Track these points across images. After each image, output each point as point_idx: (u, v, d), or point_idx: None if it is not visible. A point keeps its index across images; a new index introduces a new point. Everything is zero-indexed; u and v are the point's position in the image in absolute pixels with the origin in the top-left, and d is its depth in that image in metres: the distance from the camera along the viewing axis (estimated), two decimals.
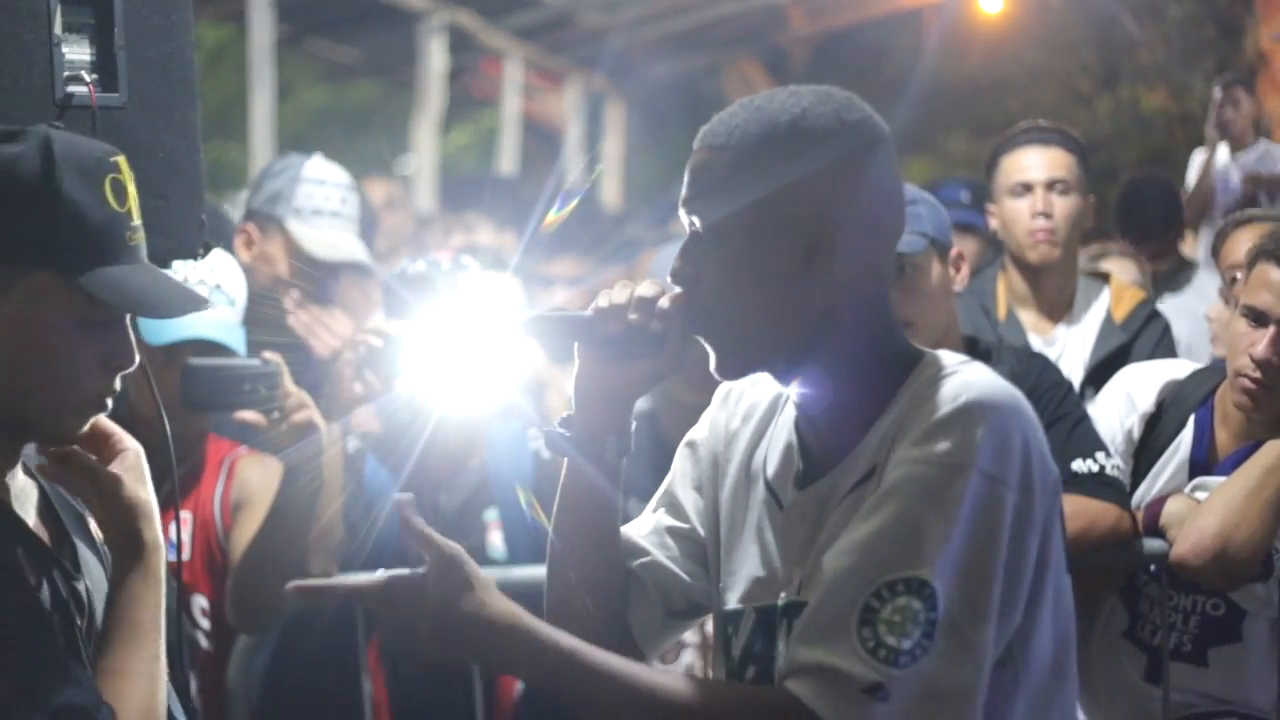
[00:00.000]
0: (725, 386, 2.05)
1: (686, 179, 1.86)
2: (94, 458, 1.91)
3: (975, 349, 3.32)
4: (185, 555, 3.20)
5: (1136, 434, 3.22)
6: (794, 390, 1.88)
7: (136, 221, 1.84)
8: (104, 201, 1.80)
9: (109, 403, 1.87)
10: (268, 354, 3.03)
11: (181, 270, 3.15)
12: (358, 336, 3.15)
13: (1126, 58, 12.55)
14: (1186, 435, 3.15)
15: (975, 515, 1.69)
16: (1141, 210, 5.76)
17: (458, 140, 13.81)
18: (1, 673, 1.71)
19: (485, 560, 3.37)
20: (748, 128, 1.82)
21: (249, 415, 3.01)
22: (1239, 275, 3.52)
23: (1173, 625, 3.18)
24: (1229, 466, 3.08)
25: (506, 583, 3.28)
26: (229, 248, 3.71)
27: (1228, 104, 7.31)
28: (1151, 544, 3.12)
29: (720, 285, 1.83)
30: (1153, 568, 3.18)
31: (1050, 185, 3.86)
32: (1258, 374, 2.96)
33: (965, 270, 3.38)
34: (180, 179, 2.13)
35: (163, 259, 2.20)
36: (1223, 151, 7.35)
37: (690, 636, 3.48)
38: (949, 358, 1.84)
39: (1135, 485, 3.23)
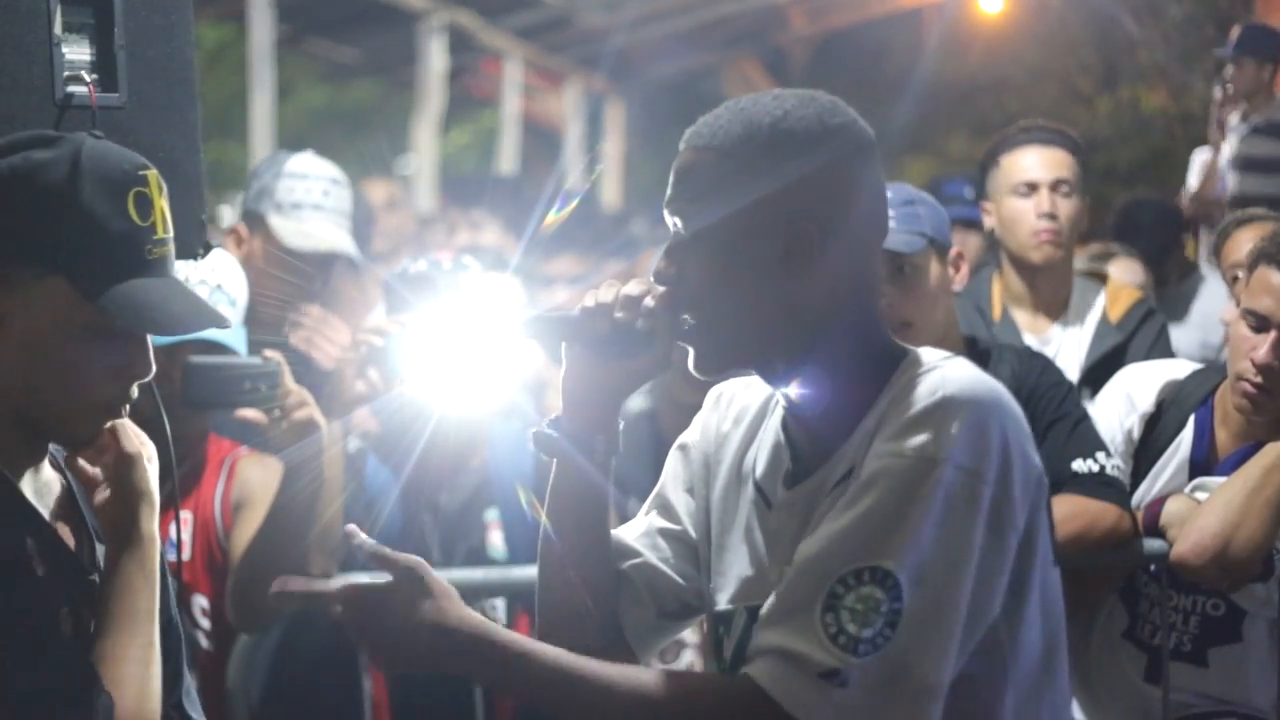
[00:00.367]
0: (717, 389, 2.06)
1: (671, 180, 1.88)
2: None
3: (975, 349, 3.32)
4: (186, 555, 3.19)
5: (1136, 434, 3.22)
6: (781, 390, 1.88)
7: (162, 235, 1.86)
8: (125, 214, 1.81)
9: (124, 410, 1.89)
10: (268, 352, 3.03)
11: (182, 270, 3.15)
12: (359, 336, 3.15)
13: (1126, 58, 12.55)
14: (1186, 435, 3.15)
15: (947, 508, 1.69)
16: (1138, 235, 5.69)
17: (458, 140, 13.81)
18: None
19: (486, 560, 3.38)
20: (730, 129, 1.84)
21: (250, 413, 3.01)
22: (1240, 275, 3.52)
23: (1172, 625, 3.18)
24: (1229, 467, 3.08)
25: (507, 582, 3.31)
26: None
27: (1228, 104, 7.29)
28: (1151, 544, 3.12)
29: (701, 285, 1.84)
30: (1153, 568, 3.18)
31: (1055, 186, 3.85)
32: (1259, 378, 2.96)
33: (965, 270, 3.38)
34: (180, 179, 2.13)
35: None
36: (1224, 151, 7.33)
37: (690, 636, 3.48)
38: (931, 354, 1.84)
39: (1135, 485, 3.23)
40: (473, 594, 3.33)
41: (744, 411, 2.01)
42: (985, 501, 1.70)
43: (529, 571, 3.05)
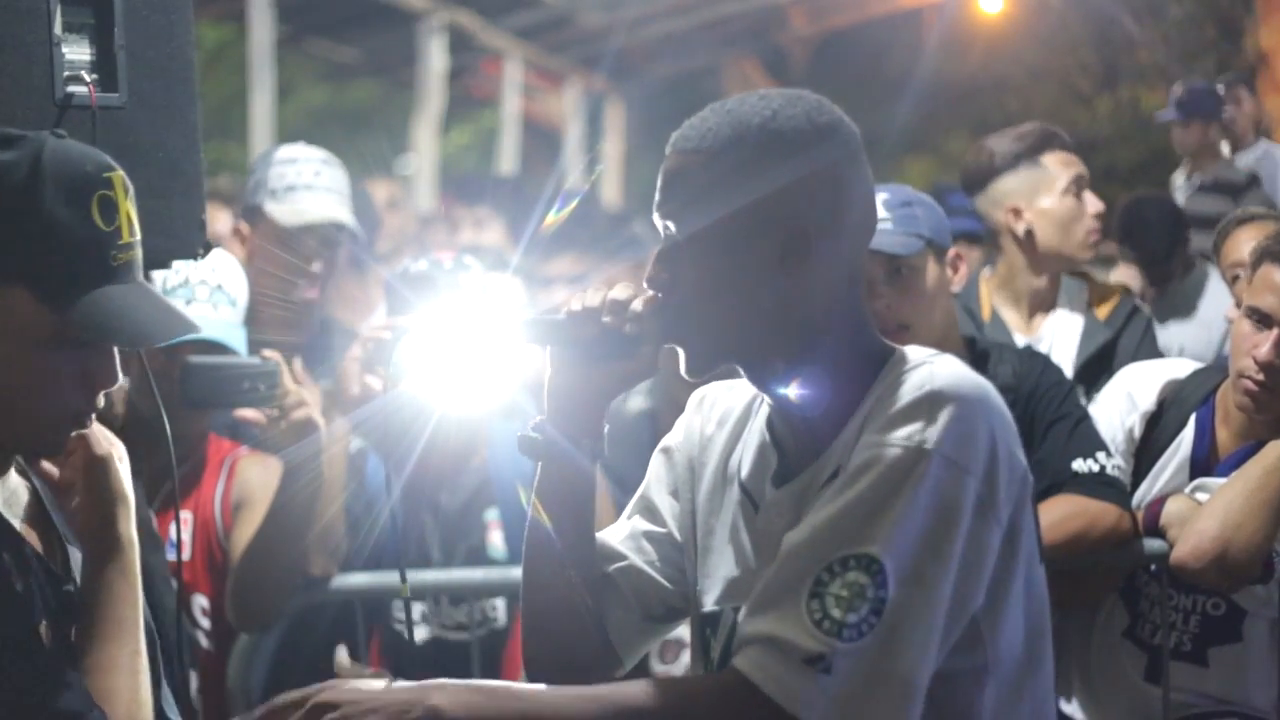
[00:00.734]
0: (699, 392, 2.06)
1: (659, 184, 1.87)
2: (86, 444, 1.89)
3: (974, 349, 3.32)
4: (186, 555, 3.20)
5: (1137, 433, 3.22)
6: (772, 391, 1.88)
7: (128, 239, 1.78)
8: (89, 220, 1.74)
9: (89, 421, 1.83)
10: (267, 352, 3.03)
11: (182, 270, 3.16)
12: (366, 333, 3.15)
13: (1126, 58, 12.56)
14: (1187, 434, 3.15)
15: (933, 499, 1.69)
16: (1145, 234, 5.67)
17: (458, 140, 13.82)
18: None
19: (486, 560, 3.38)
20: (719, 131, 1.83)
21: (249, 413, 3.01)
22: (1240, 274, 3.51)
23: (1173, 625, 3.18)
24: (1230, 466, 3.08)
25: (507, 582, 3.30)
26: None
27: (1230, 103, 7.31)
28: (1151, 544, 3.12)
29: (696, 289, 1.83)
30: (1153, 568, 3.18)
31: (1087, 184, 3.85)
32: (1260, 376, 2.96)
33: (964, 271, 3.36)
34: (180, 179, 2.13)
35: (163, 259, 2.20)
36: (1223, 151, 7.35)
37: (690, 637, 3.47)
38: (918, 352, 1.85)
39: (1136, 484, 3.23)
40: (473, 594, 3.34)
41: (728, 414, 2.01)
42: (970, 494, 1.71)
43: None
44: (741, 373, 1.91)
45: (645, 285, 1.88)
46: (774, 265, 1.80)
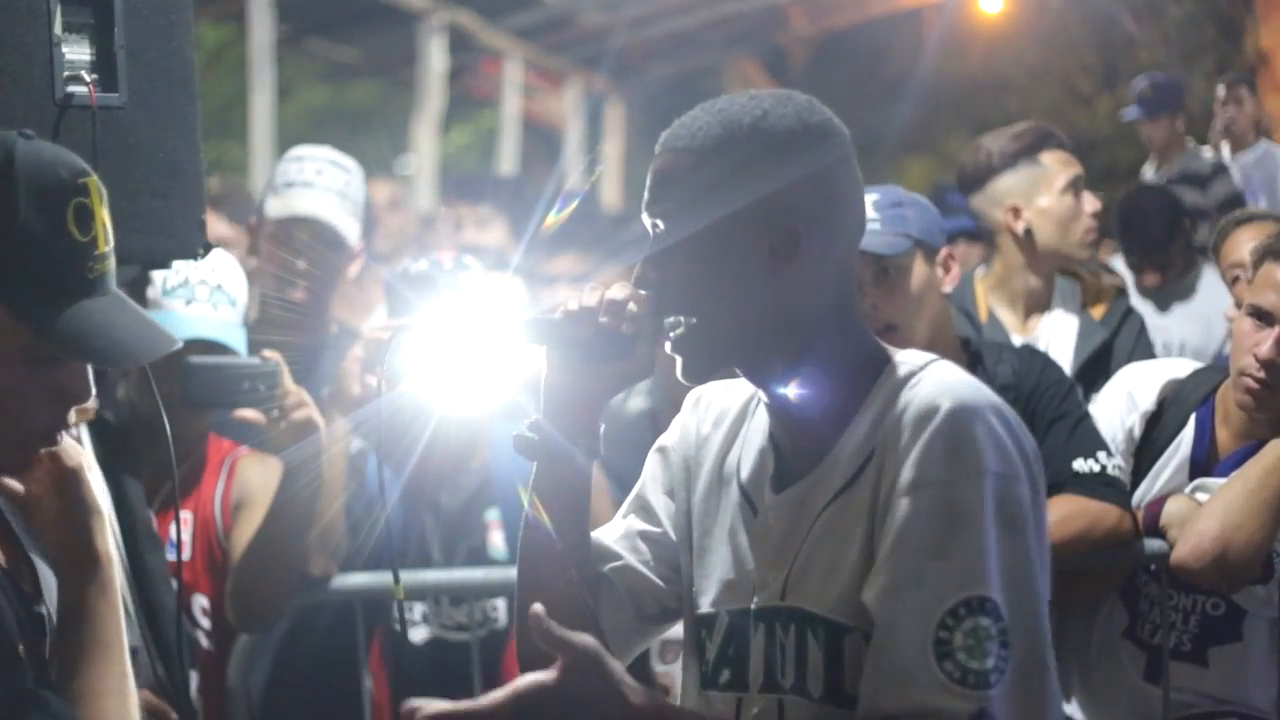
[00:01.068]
0: (696, 392, 2.05)
1: (649, 183, 1.87)
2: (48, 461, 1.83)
3: (969, 350, 3.31)
4: (186, 555, 3.20)
5: (1137, 433, 3.22)
6: (768, 391, 1.87)
7: (103, 249, 1.71)
8: (65, 231, 1.66)
9: (60, 437, 1.78)
10: (267, 353, 3.03)
11: (182, 270, 3.16)
12: (368, 334, 3.15)
13: (1126, 58, 12.54)
14: (1187, 434, 3.15)
15: (999, 515, 1.70)
16: (1144, 224, 5.69)
17: (458, 140, 13.82)
18: None
19: (487, 560, 3.38)
20: (710, 130, 1.83)
21: (248, 413, 3.01)
22: (1240, 274, 3.51)
23: (1172, 625, 3.17)
24: (1230, 466, 3.08)
25: (508, 582, 3.30)
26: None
27: (1231, 103, 7.31)
28: (1151, 544, 3.12)
29: (687, 288, 1.83)
30: (1153, 568, 3.18)
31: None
32: (1261, 374, 2.96)
33: (956, 271, 3.35)
34: (180, 179, 2.13)
35: (163, 259, 2.20)
36: (1224, 151, 7.35)
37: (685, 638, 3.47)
38: (913, 357, 1.84)
39: (1136, 484, 3.23)
40: (473, 594, 3.34)
41: (724, 414, 2.00)
42: (1025, 496, 1.73)
43: None
44: (740, 373, 1.91)
45: (634, 285, 1.87)
46: (763, 265, 1.80)
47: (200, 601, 3.26)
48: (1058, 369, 3.36)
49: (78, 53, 2.06)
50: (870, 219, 3.04)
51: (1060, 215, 3.81)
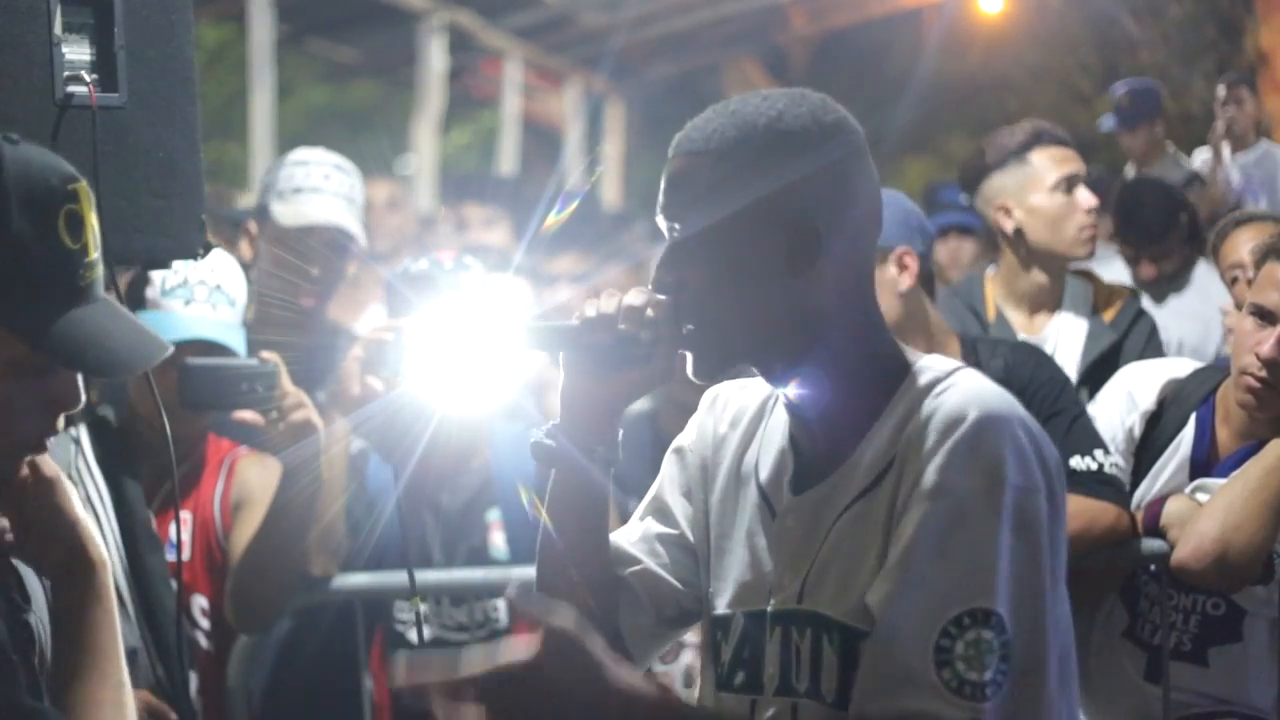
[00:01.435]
0: (712, 391, 2.04)
1: (664, 187, 1.85)
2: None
3: (964, 345, 3.32)
4: (185, 555, 3.20)
5: (1137, 432, 3.22)
6: (786, 393, 1.87)
7: (93, 256, 1.68)
8: (56, 239, 1.64)
9: (47, 444, 1.75)
10: (265, 354, 3.03)
11: (182, 270, 3.16)
12: (369, 334, 3.15)
13: (1126, 58, 12.54)
14: (1187, 434, 3.15)
15: (1016, 529, 1.69)
16: (1139, 214, 5.74)
17: (458, 140, 13.82)
18: None
19: (487, 560, 3.37)
20: (725, 132, 1.82)
21: (247, 415, 3.01)
22: (1239, 275, 3.51)
23: (1172, 625, 3.18)
24: (1230, 465, 3.08)
25: (508, 583, 3.30)
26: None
27: (1231, 103, 7.31)
28: (1151, 544, 3.12)
29: (705, 291, 1.82)
30: (1153, 568, 3.18)
31: (1085, 181, 3.85)
32: (1263, 373, 2.96)
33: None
34: (180, 179, 2.13)
35: (163, 259, 2.20)
36: (1224, 151, 7.34)
37: (691, 637, 3.47)
38: (939, 363, 1.83)
39: (1136, 484, 3.23)
40: (474, 594, 3.34)
41: (741, 413, 2.00)
42: (1042, 511, 1.71)
43: (531, 572, 3.05)
44: (757, 373, 1.90)
45: (651, 288, 1.86)
46: (782, 265, 1.79)
47: (200, 602, 3.26)
48: (1052, 365, 3.36)
49: (78, 53, 2.06)
50: None
51: (1049, 214, 3.81)
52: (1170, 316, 5.30)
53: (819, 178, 1.80)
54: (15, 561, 1.84)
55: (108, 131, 2.04)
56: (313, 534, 3.09)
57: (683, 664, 3.62)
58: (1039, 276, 3.87)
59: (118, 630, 1.81)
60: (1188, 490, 3.13)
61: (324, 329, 3.92)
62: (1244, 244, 3.50)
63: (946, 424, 1.72)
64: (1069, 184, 3.80)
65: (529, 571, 2.65)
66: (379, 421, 3.04)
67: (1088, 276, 4.02)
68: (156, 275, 3.14)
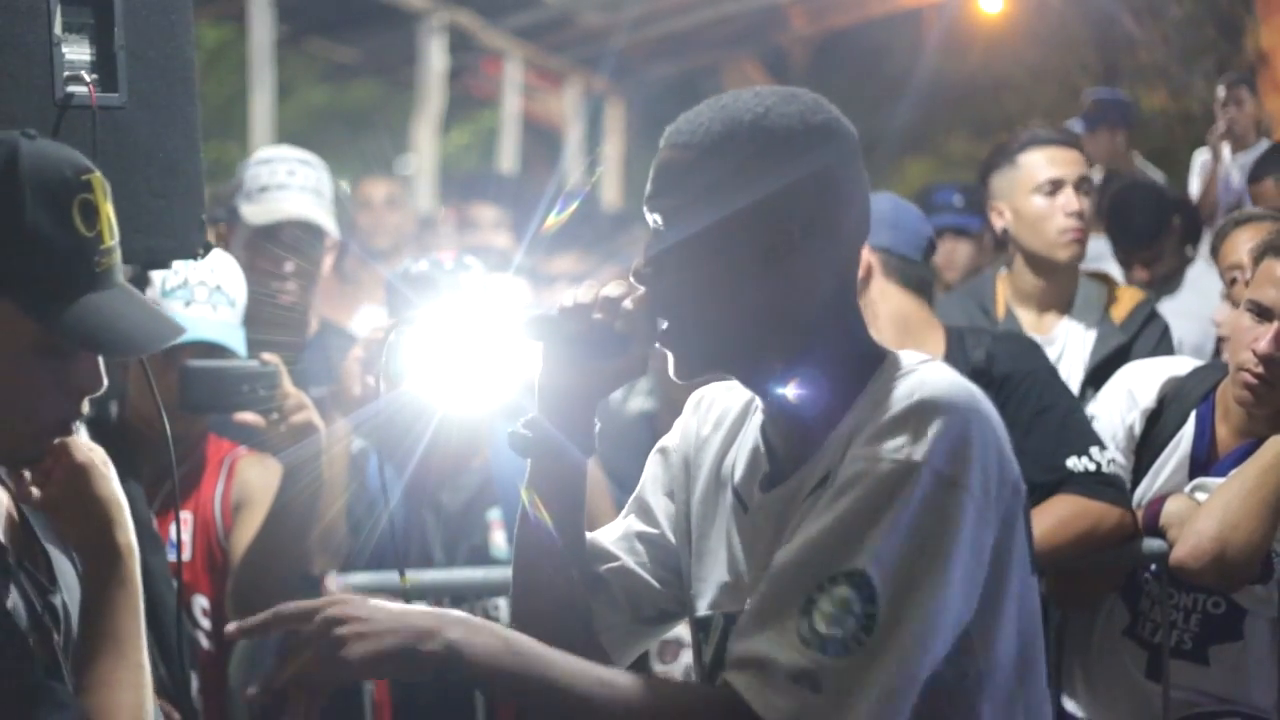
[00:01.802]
0: (698, 394, 2.05)
1: (650, 177, 1.86)
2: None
3: (949, 335, 3.33)
4: (186, 555, 3.20)
5: (1138, 430, 3.22)
6: (763, 393, 1.87)
7: (108, 243, 1.76)
8: (71, 227, 1.71)
9: (73, 427, 1.81)
10: (266, 355, 3.03)
11: (181, 270, 3.16)
12: (369, 334, 3.15)
13: (1126, 58, 12.54)
14: (1187, 432, 3.15)
15: (924, 512, 1.67)
16: (1130, 218, 5.78)
17: (458, 140, 13.81)
18: None
19: (488, 560, 3.37)
20: (711, 127, 1.82)
21: (248, 416, 3.01)
22: (1238, 275, 3.52)
23: (1173, 623, 3.18)
24: (1230, 463, 3.08)
25: (510, 582, 3.31)
26: None
27: (1231, 104, 7.31)
28: (1151, 543, 3.12)
29: (681, 285, 1.82)
30: (1153, 567, 3.18)
31: (1078, 184, 3.86)
32: (1260, 369, 2.96)
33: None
34: (180, 179, 2.13)
35: (163, 259, 2.19)
36: (1224, 151, 7.34)
37: (690, 637, 3.48)
38: (909, 357, 1.83)
39: (1136, 482, 3.24)
40: (475, 594, 3.34)
41: (724, 415, 2.00)
42: (962, 506, 1.68)
43: None
44: (732, 375, 1.90)
45: (632, 280, 1.86)
46: (758, 264, 1.79)
47: (200, 602, 3.26)
48: (1037, 355, 3.37)
49: (78, 53, 2.06)
50: None
51: (1030, 216, 3.87)
52: (1171, 317, 5.32)
53: (801, 178, 1.79)
54: (47, 544, 1.89)
55: (108, 131, 2.04)
56: (313, 534, 3.08)
57: (683, 664, 3.62)
58: (1033, 277, 3.90)
59: (140, 615, 1.85)
60: (1187, 489, 3.14)
61: (303, 325, 3.92)
62: (1243, 244, 3.50)
63: (892, 404, 1.72)
64: (1053, 186, 3.85)
65: None
66: (379, 421, 3.04)
67: (1102, 278, 4.05)
68: (156, 276, 3.14)
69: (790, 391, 1.83)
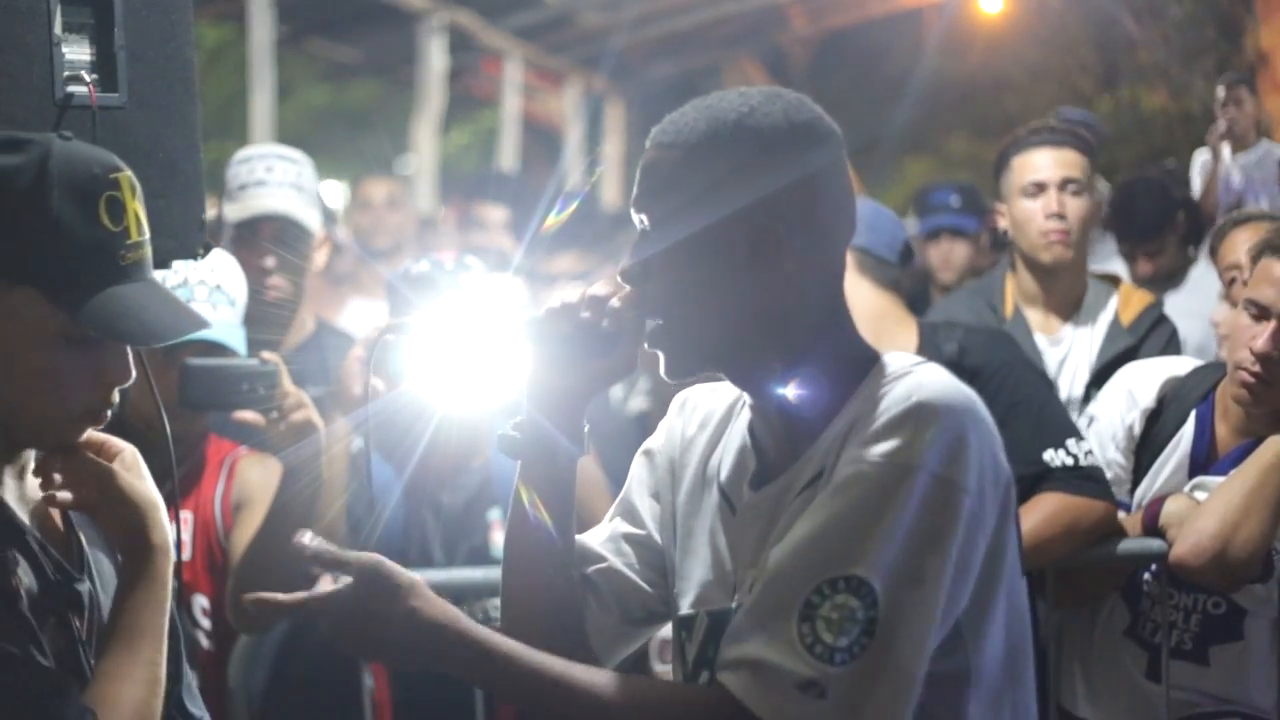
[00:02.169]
0: (682, 395, 2.05)
1: (637, 177, 1.87)
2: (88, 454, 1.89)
3: (921, 330, 3.35)
4: (186, 555, 3.20)
5: (1137, 430, 3.22)
6: (754, 392, 1.87)
7: (136, 239, 1.82)
8: (97, 221, 1.78)
9: (106, 415, 1.86)
10: (266, 354, 3.03)
11: (181, 270, 3.16)
12: (368, 334, 3.15)
13: (1126, 58, 12.55)
14: (1187, 431, 3.16)
15: (922, 516, 1.68)
16: (1134, 211, 5.78)
17: (458, 140, 13.81)
18: None
19: (488, 559, 3.38)
20: (695, 126, 1.83)
21: (247, 415, 3.00)
22: (1237, 275, 3.52)
23: (1173, 624, 3.18)
24: (1229, 462, 3.09)
25: None
26: None
27: (1231, 104, 7.31)
28: (1151, 543, 3.12)
29: (667, 284, 1.83)
30: (1153, 567, 3.18)
31: (1063, 185, 3.87)
32: (1257, 367, 2.97)
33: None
34: (180, 179, 2.13)
35: (163, 259, 2.19)
36: (1224, 152, 7.34)
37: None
38: (903, 359, 1.84)
39: (1136, 482, 3.24)
40: (475, 594, 3.34)
41: (709, 416, 2.00)
42: (960, 508, 1.69)
43: None
44: (723, 376, 1.90)
45: (619, 280, 1.87)
46: (743, 264, 1.79)
47: (200, 601, 3.26)
48: (1011, 347, 3.38)
49: (78, 53, 2.06)
50: None
51: (1018, 218, 3.92)
52: (1174, 316, 5.32)
53: (784, 176, 1.80)
54: (88, 543, 1.92)
55: (108, 131, 2.04)
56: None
57: None
58: (1033, 278, 3.92)
59: (164, 613, 1.87)
60: (1186, 489, 3.14)
61: (291, 322, 3.91)
62: (1242, 244, 3.51)
63: (886, 406, 1.73)
64: (1036, 189, 3.88)
65: None
66: (379, 421, 3.05)
67: (1112, 280, 4.06)
68: (157, 275, 3.13)
69: (780, 390, 1.83)
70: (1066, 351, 3.86)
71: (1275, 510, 2.96)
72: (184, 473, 3.25)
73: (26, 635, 1.76)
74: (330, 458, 3.05)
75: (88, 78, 2.04)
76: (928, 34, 12.55)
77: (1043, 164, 3.88)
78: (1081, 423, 3.38)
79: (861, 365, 1.84)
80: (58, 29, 2.03)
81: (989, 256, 6.20)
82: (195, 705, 2.03)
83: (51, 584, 1.83)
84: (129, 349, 1.85)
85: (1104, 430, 3.25)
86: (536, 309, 1.91)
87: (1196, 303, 5.38)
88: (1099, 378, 3.74)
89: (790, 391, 1.82)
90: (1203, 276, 5.55)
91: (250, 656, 3.25)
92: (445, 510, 3.40)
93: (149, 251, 1.86)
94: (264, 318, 3.64)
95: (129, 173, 1.83)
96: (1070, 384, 3.82)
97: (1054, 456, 3.13)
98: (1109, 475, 3.23)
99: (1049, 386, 3.39)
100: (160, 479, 3.11)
